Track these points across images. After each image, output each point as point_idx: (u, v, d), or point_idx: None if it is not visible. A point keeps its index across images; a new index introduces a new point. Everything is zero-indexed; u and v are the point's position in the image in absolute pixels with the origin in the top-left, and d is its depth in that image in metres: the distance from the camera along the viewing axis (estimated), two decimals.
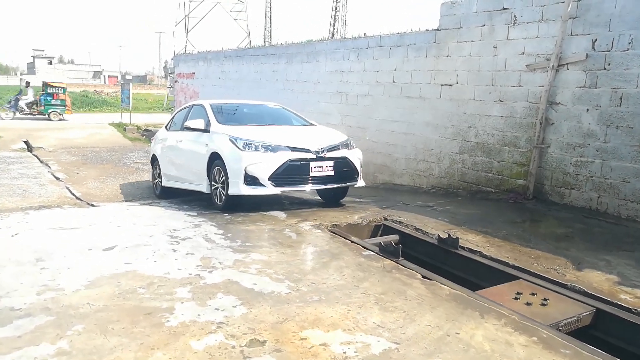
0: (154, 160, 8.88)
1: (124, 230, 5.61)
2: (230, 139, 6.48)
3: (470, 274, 4.98)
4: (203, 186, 7.13)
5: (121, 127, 20.12)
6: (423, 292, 3.98)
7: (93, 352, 2.86)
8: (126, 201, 8.58)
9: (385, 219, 6.31)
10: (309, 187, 6.52)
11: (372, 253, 4.88)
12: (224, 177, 6.48)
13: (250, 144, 6.32)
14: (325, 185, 6.60)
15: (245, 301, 3.61)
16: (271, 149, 6.28)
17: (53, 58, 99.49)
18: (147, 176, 10.71)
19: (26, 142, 14.98)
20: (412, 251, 5.57)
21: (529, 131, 7.50)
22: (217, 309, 3.46)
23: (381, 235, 6.10)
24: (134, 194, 9.30)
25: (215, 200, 6.81)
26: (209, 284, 3.91)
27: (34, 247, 4.79)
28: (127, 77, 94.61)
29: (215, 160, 6.72)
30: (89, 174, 11.15)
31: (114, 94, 53.43)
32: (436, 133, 8.97)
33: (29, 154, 13.85)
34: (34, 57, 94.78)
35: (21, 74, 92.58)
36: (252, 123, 7.33)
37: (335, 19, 43.42)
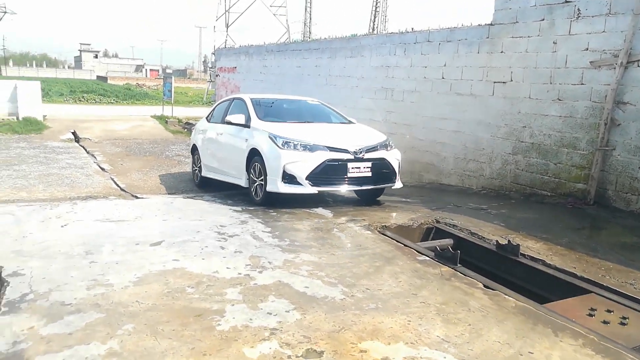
0: (194, 150, 8.99)
1: (170, 224, 5.53)
2: (270, 137, 6.47)
3: (533, 285, 4.65)
4: (242, 180, 7.15)
5: (163, 119, 20.36)
6: (487, 303, 3.70)
7: (144, 355, 2.73)
8: (169, 194, 8.57)
9: (438, 222, 6.02)
10: (345, 188, 6.49)
11: (427, 258, 4.62)
12: (262, 174, 6.48)
13: (289, 142, 6.30)
14: (361, 186, 6.55)
15: (299, 306, 3.42)
16: (309, 148, 6.25)
17: (98, 52, 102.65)
18: (188, 168, 10.70)
19: (73, 133, 15.30)
20: (467, 257, 5.25)
21: (591, 132, 7.04)
22: (270, 313, 3.29)
23: (433, 239, 5.82)
24: (176, 186, 9.28)
25: (254, 195, 6.78)
26: (259, 285, 3.74)
27: (83, 239, 4.75)
28: (168, 70, 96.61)
29: (254, 156, 6.71)
30: (132, 166, 11.25)
31: (155, 87, 54.65)
32: (488, 132, 8.57)
33: (76, 144, 14.13)
34: (80, 50, 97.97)
35: (68, 67, 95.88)
36: (291, 119, 7.34)
37: (375, 14, 42.95)
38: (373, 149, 6.59)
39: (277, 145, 6.31)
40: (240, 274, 3.96)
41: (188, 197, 7.64)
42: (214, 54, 38.35)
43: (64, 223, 5.46)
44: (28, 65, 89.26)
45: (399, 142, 10.60)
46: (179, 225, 5.45)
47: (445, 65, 9.36)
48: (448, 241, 5.54)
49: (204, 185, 8.61)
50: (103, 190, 8.51)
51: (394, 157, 6.81)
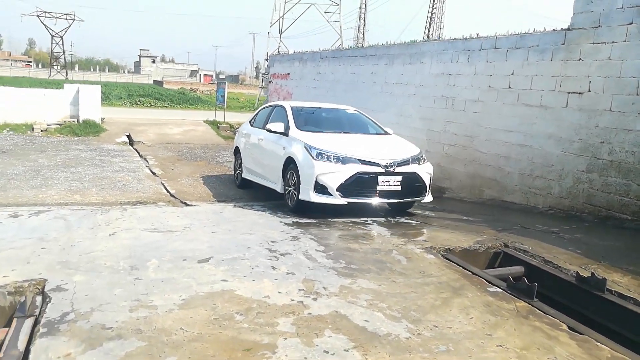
0: (237, 152, 9.37)
1: (219, 237, 5.27)
2: (305, 147, 6.68)
3: (622, 327, 4.04)
4: (278, 186, 7.35)
5: (215, 125, 20.52)
6: (575, 351, 3.17)
7: None
8: (219, 201, 8.41)
9: (506, 246, 5.47)
10: (375, 201, 6.57)
11: (499, 290, 4.12)
12: (296, 181, 6.67)
13: (323, 153, 6.47)
14: (390, 199, 6.66)
15: (359, 344, 3.02)
16: (342, 160, 6.41)
17: (156, 57, 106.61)
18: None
19: (128, 136, 15.60)
20: (540, 288, 4.70)
21: None
22: (327, 352, 2.91)
23: (501, 265, 5.29)
24: (226, 194, 9.11)
25: (287, 201, 6.99)
26: (314, 316, 3.38)
27: (129, 251, 4.56)
28: (221, 76, 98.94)
29: (290, 164, 6.91)
30: (183, 171, 11.22)
31: (209, 92, 55.88)
32: (559, 147, 7.88)
33: (130, 147, 14.38)
34: (140, 56, 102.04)
35: (128, 72, 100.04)
36: (328, 129, 7.58)
37: (430, 21, 42.03)
38: (404, 162, 6.66)
39: (312, 156, 6.48)
40: (293, 300, 3.61)
41: (237, 207, 7.42)
42: (267, 59, 38.73)
43: (112, 231, 5.32)
44: (92, 70, 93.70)
45: (459, 153, 10.06)
46: (228, 239, 5.18)
47: (512, 73, 8.73)
48: (519, 269, 5.00)
49: (244, 187, 9.06)
50: (153, 195, 8.44)
51: (425, 171, 6.85)
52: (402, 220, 6.76)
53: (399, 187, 6.50)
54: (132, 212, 6.56)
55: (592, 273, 4.42)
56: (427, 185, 6.86)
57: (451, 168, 10.08)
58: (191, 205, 7.49)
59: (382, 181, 6.39)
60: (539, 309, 3.80)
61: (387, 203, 6.96)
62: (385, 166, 6.42)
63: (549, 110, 8.04)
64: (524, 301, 3.92)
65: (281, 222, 6.21)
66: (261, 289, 3.77)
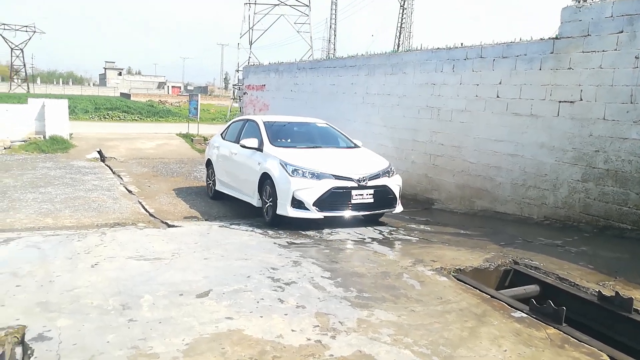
0: (209, 164, 9.57)
1: (213, 265, 4.85)
2: (280, 163, 6.87)
3: None
4: (254, 200, 7.55)
5: (188, 137, 19.93)
6: None
7: None
8: (202, 220, 7.96)
9: (516, 263, 5.24)
10: (348, 213, 6.81)
11: (524, 315, 3.85)
12: (272, 196, 6.84)
13: (298, 170, 6.68)
14: (364, 211, 6.92)
15: None
16: (317, 176, 6.63)
17: (122, 69, 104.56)
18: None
19: (99, 152, 14.91)
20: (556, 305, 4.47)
21: None
22: None
23: (512, 283, 5.05)
24: (208, 212, 8.66)
25: (265, 215, 7.14)
26: (336, 358, 3.02)
27: (117, 285, 4.10)
28: (189, 87, 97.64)
29: (266, 179, 7.07)
30: (160, 188, 10.69)
31: (178, 104, 54.85)
32: (551, 156, 7.77)
33: (101, 163, 13.70)
34: (105, 68, 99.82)
35: (93, 84, 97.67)
36: (301, 143, 7.84)
37: (401, 30, 42.39)
38: (375, 176, 6.95)
39: (287, 173, 6.69)
40: (309, 339, 3.24)
41: (223, 226, 7.02)
42: (238, 70, 38.20)
43: (94, 262, 4.84)
44: (55, 82, 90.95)
45: (446, 164, 9.88)
46: (223, 267, 4.77)
47: (500, 83, 8.62)
48: (534, 288, 4.77)
49: (216, 198, 9.23)
50: (131, 215, 7.93)
51: (395, 184, 7.19)
52: (400, 236, 6.48)
53: (372, 200, 6.81)
54: (112, 236, 6.09)
55: (617, 293, 4.20)
56: (397, 196, 7.20)
57: (439, 179, 9.90)
58: (174, 226, 7.05)
59: (356, 195, 6.68)
60: (572, 336, 3.54)
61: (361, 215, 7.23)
62: (358, 180, 6.71)
63: (540, 119, 7.94)
64: (554, 327, 3.66)
65: (275, 243, 5.84)
66: (272, 327, 3.39)
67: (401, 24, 42.63)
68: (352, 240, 6.05)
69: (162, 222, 7.43)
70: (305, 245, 5.71)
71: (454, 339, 3.36)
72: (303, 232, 6.41)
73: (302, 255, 5.20)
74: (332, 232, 6.61)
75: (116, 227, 6.98)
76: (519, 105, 8.27)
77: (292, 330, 3.35)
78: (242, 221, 7.40)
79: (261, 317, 3.55)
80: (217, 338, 3.20)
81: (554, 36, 7.75)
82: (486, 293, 4.29)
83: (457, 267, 4.90)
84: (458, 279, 4.62)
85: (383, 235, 6.48)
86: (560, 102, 7.63)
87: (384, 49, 12.20)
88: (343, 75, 13.17)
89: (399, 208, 7.29)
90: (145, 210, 8.48)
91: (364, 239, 6.15)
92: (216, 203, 9.44)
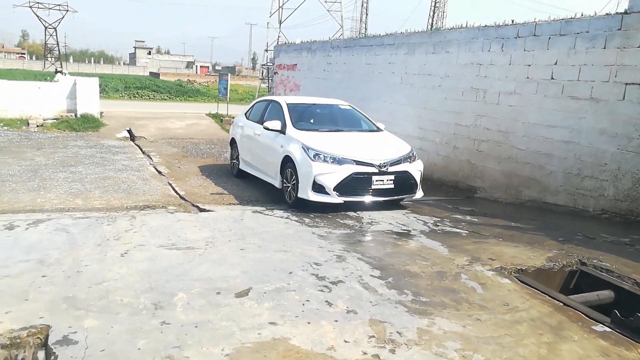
0: (233, 143, 9.63)
1: (251, 257, 4.48)
2: (302, 147, 6.85)
3: None
4: (276, 182, 7.56)
5: (218, 118, 19.62)
6: None
7: None
8: (234, 204, 7.64)
9: (583, 263, 4.71)
10: (369, 199, 6.74)
11: (607, 329, 3.36)
12: (294, 179, 6.84)
13: (320, 154, 6.67)
14: (384, 197, 6.86)
15: None
16: (338, 161, 6.61)
17: (152, 49, 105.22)
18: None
19: (129, 131, 14.75)
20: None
21: None
22: None
23: (577, 286, 4.54)
24: (241, 195, 8.32)
25: (286, 197, 7.13)
26: None
27: (149, 279, 3.77)
28: (218, 67, 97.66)
29: (288, 162, 7.08)
30: (190, 169, 10.42)
31: (206, 84, 54.75)
32: (614, 144, 7.11)
33: (131, 143, 13.52)
34: (135, 47, 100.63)
35: (124, 64, 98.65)
36: (323, 126, 7.85)
37: (434, 10, 40.97)
38: (397, 162, 6.90)
39: (309, 157, 6.68)
40: (365, 353, 2.83)
41: (257, 212, 6.67)
42: (267, 50, 37.62)
43: (124, 250, 4.54)
44: (87, 61, 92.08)
45: (491, 150, 9.26)
46: (262, 260, 4.39)
47: (556, 63, 7.93)
48: (607, 294, 4.25)
49: (240, 176, 9.27)
50: (161, 198, 7.65)
51: (416, 169, 7.12)
52: (447, 228, 6.00)
53: (392, 186, 6.78)
54: (142, 220, 5.80)
55: None
56: (418, 182, 7.12)
57: (483, 165, 9.30)
58: (206, 210, 6.73)
59: (376, 180, 6.66)
60: None
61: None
62: (379, 166, 6.67)
63: (601, 103, 7.26)
64: None
65: (314, 233, 5.44)
66: (321, 336, 2.99)
67: (435, 3, 41.20)
68: (395, 232, 5.60)
69: (194, 205, 7.13)
70: (346, 236, 5.30)
71: (532, 357, 2.91)
72: (341, 221, 6.01)
73: (345, 249, 4.79)
74: (371, 221, 6.18)
75: (146, 209, 6.70)
76: (577, 87, 7.59)
77: (345, 342, 2.94)
78: (276, 206, 7.06)
79: (308, 323, 3.16)
80: (260, 348, 2.82)
81: (623, 11, 7.02)
82: (556, 299, 3.80)
83: (517, 267, 4.41)
84: (521, 281, 4.14)
85: (428, 226, 6.01)
86: (627, 84, 6.94)
87: (417, 29, 11.46)
88: (380, 54, 12.55)
89: (419, 194, 7.19)
90: (176, 192, 8.19)
91: (409, 230, 5.69)
92: (248, 186, 9.10)
